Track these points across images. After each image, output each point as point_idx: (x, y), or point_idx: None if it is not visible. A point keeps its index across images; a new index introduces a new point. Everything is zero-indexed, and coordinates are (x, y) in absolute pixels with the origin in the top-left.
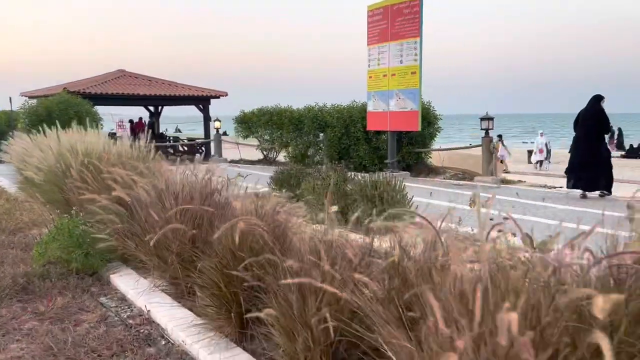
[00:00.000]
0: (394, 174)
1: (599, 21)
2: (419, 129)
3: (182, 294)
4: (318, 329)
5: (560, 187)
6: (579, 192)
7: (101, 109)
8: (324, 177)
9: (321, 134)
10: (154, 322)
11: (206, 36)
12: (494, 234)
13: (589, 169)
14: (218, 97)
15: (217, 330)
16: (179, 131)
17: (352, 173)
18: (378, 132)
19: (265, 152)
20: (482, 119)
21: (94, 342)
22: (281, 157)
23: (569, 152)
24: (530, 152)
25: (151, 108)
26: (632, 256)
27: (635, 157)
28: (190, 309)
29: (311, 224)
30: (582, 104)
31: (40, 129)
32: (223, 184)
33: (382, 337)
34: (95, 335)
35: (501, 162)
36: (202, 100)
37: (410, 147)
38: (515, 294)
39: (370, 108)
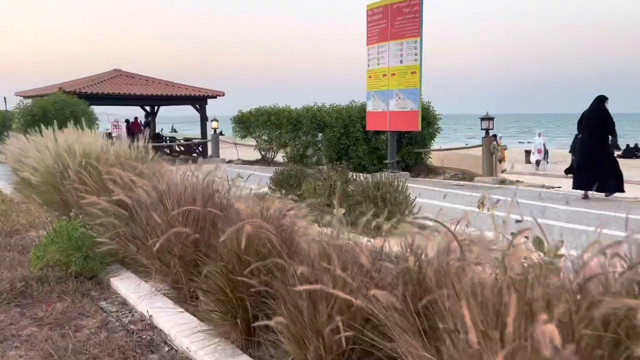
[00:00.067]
0: (394, 174)
1: (599, 21)
2: (419, 129)
3: (184, 299)
4: (330, 337)
5: (559, 187)
6: (580, 192)
7: (97, 109)
8: (325, 177)
9: (320, 134)
10: (156, 327)
11: (206, 36)
12: (515, 238)
13: (595, 168)
14: (215, 97)
15: (223, 337)
16: (175, 131)
17: (354, 174)
18: (377, 132)
19: (263, 153)
20: (482, 119)
21: (95, 349)
22: (279, 157)
23: (570, 152)
24: (527, 152)
25: (147, 108)
26: None
27: (632, 157)
28: (194, 314)
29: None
30: (582, 103)
31: (37, 129)
32: (225, 185)
33: (400, 347)
34: (96, 341)
35: (500, 162)
36: (199, 100)
37: (410, 148)
38: (546, 304)
39: (369, 108)
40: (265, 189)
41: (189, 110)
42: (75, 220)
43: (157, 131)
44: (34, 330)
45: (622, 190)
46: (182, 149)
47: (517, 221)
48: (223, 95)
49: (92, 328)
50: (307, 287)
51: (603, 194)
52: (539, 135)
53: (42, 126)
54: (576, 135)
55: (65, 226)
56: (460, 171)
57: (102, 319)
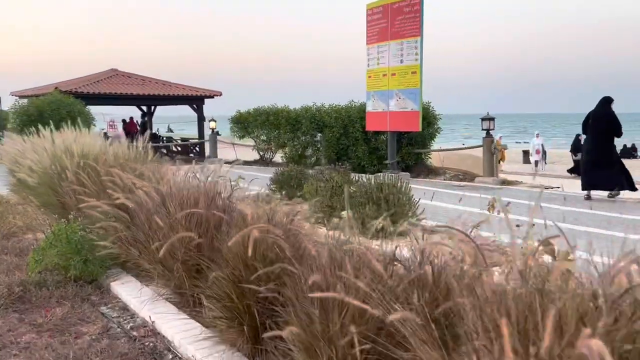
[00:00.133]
0: (395, 175)
1: (599, 21)
2: (420, 129)
3: (187, 304)
4: (344, 347)
5: (558, 187)
6: (582, 193)
7: (93, 109)
8: (327, 179)
9: (319, 134)
10: (159, 333)
11: (206, 36)
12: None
13: (605, 168)
14: (212, 97)
15: (229, 344)
16: (171, 131)
17: (357, 175)
18: (377, 133)
19: (261, 153)
20: (483, 119)
21: (97, 357)
22: (278, 157)
23: (570, 152)
24: (525, 152)
25: (144, 108)
26: None
27: (629, 157)
28: (198, 320)
29: (323, 228)
30: (582, 103)
31: (33, 129)
32: (227, 187)
33: (418, 358)
34: (98, 349)
35: (500, 161)
36: (196, 100)
37: (410, 148)
38: (583, 316)
39: (369, 108)
40: (265, 190)
41: (184, 110)
42: (74, 223)
43: (153, 131)
44: (34, 337)
45: (634, 189)
46: (179, 149)
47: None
48: (220, 95)
49: (93, 334)
50: (321, 294)
51: (606, 194)
52: (537, 135)
53: (40, 126)
54: (577, 136)
55: (64, 229)
56: (461, 172)
57: (103, 325)
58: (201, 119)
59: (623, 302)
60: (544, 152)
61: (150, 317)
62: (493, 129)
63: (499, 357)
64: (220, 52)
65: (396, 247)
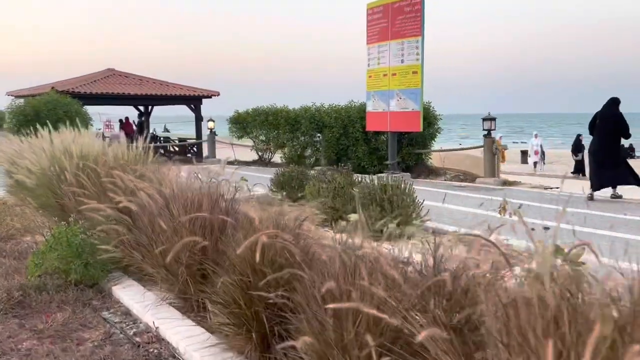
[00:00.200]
0: (398, 175)
1: (599, 21)
2: (421, 129)
3: (191, 308)
4: (360, 358)
5: (557, 188)
6: (584, 193)
7: (90, 109)
8: (330, 180)
9: (318, 135)
10: (163, 339)
11: (206, 36)
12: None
13: (608, 169)
14: (210, 97)
15: (236, 351)
16: (167, 131)
17: (358, 176)
18: (377, 133)
19: (260, 153)
20: (484, 120)
21: None
22: (277, 158)
23: (572, 152)
24: (523, 153)
25: (141, 108)
26: None
27: (628, 158)
28: (202, 326)
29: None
30: (582, 103)
31: (31, 129)
32: (229, 188)
33: None
34: (101, 356)
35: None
36: (193, 100)
37: (411, 148)
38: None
39: (369, 108)
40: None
41: (181, 110)
42: (75, 225)
43: (150, 131)
44: (34, 344)
45: None
46: (177, 149)
47: (545, 228)
48: (218, 95)
49: (96, 341)
50: (338, 305)
51: (609, 195)
52: (536, 136)
53: (37, 126)
54: (578, 136)
55: (64, 232)
56: (461, 172)
57: (106, 331)
58: (199, 119)
59: None
60: (543, 153)
61: (153, 322)
62: (494, 129)
63: None
64: (220, 52)
65: (409, 252)
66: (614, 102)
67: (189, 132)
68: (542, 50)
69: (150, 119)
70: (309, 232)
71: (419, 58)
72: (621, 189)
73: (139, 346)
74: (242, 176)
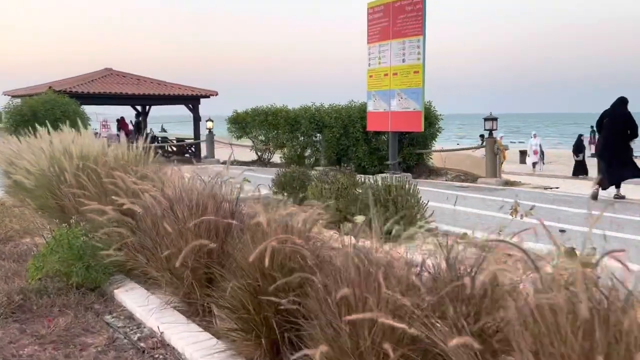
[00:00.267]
0: (399, 175)
1: (599, 21)
2: (422, 129)
3: (196, 313)
4: None
5: (557, 188)
6: (585, 194)
7: (87, 109)
8: (333, 180)
9: (318, 135)
10: (168, 345)
11: (205, 36)
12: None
13: (615, 168)
14: (208, 97)
15: (245, 357)
16: (164, 130)
17: (360, 176)
18: (378, 133)
19: (259, 153)
20: (485, 119)
21: None
22: (276, 158)
23: (573, 152)
24: (521, 153)
25: (139, 107)
26: None
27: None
28: (209, 331)
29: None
30: (582, 103)
31: (29, 129)
32: (233, 189)
33: None
34: None
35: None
36: (191, 100)
37: (411, 148)
38: None
39: (370, 108)
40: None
41: (179, 110)
42: (76, 227)
43: (147, 131)
44: (36, 350)
45: None
46: (175, 149)
47: (561, 231)
48: (216, 94)
49: (99, 346)
50: (357, 316)
51: (612, 196)
52: (535, 136)
53: (36, 126)
54: (579, 136)
55: (65, 234)
56: (462, 172)
57: (109, 336)
58: (197, 119)
59: None
60: (542, 153)
61: (158, 327)
62: (496, 129)
63: None
64: (220, 52)
65: (424, 256)
66: (622, 102)
67: (187, 132)
68: (542, 50)
69: (147, 119)
70: (318, 235)
71: (420, 57)
72: (623, 190)
73: (143, 352)
74: (244, 177)
